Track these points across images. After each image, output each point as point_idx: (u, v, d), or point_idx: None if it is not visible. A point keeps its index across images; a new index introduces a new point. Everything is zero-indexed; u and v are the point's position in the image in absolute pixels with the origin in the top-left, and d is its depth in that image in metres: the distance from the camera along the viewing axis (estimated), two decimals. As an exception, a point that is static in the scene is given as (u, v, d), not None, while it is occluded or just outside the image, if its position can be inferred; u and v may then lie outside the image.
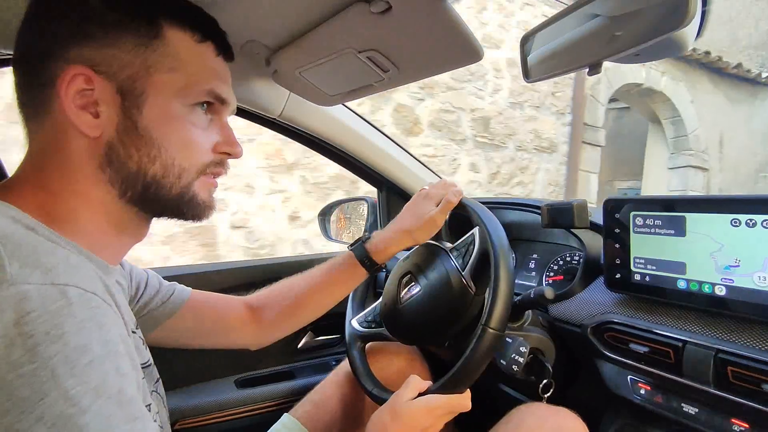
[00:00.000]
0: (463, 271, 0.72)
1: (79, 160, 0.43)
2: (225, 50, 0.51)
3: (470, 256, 0.72)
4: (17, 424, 0.27)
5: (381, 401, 0.70)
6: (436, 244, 0.79)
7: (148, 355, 0.53)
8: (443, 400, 0.60)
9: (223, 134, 0.51)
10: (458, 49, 0.59)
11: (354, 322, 0.86)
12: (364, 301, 0.90)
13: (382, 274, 1.08)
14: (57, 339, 0.30)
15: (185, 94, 0.46)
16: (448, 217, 0.76)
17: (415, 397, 0.61)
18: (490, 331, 0.60)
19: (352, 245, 0.79)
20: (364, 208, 1.28)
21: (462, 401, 0.61)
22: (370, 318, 0.84)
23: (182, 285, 0.73)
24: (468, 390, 0.62)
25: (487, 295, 0.63)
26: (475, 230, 0.73)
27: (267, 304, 0.78)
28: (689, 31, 0.48)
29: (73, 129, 0.42)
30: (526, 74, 0.59)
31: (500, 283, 0.61)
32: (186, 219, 0.50)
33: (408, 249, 0.80)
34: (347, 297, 0.92)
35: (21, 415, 0.27)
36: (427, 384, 0.63)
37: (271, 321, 0.78)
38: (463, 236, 0.77)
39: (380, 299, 0.84)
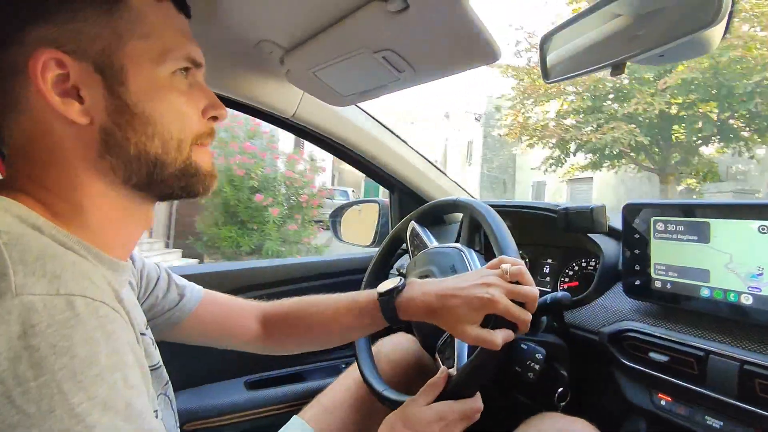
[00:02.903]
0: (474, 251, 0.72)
1: (73, 151, 0.41)
2: (183, 6, 0.48)
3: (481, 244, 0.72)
4: None
5: (391, 403, 0.69)
6: (446, 246, 0.79)
7: (157, 357, 0.53)
8: (454, 406, 0.59)
9: (206, 97, 0.48)
10: (475, 48, 0.58)
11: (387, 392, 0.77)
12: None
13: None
14: (64, 352, 0.29)
15: (164, 60, 0.43)
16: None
17: (429, 405, 0.60)
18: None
19: (382, 294, 0.65)
20: (376, 210, 1.27)
21: (473, 404, 0.60)
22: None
23: (194, 286, 0.72)
24: (478, 393, 0.61)
25: None
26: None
27: (282, 321, 0.75)
28: (717, 30, 0.46)
29: (57, 119, 0.40)
30: (546, 75, 0.58)
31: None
32: (193, 195, 0.48)
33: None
34: None
35: (29, 429, 0.27)
36: (442, 381, 0.61)
37: (280, 341, 0.76)
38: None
39: None
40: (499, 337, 0.54)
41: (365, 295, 0.68)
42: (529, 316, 0.56)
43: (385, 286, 0.65)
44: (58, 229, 0.38)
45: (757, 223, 0.56)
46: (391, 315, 0.64)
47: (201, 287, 0.73)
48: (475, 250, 0.75)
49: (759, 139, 8.86)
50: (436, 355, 0.71)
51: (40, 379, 0.28)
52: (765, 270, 0.56)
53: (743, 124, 8.77)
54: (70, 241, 0.39)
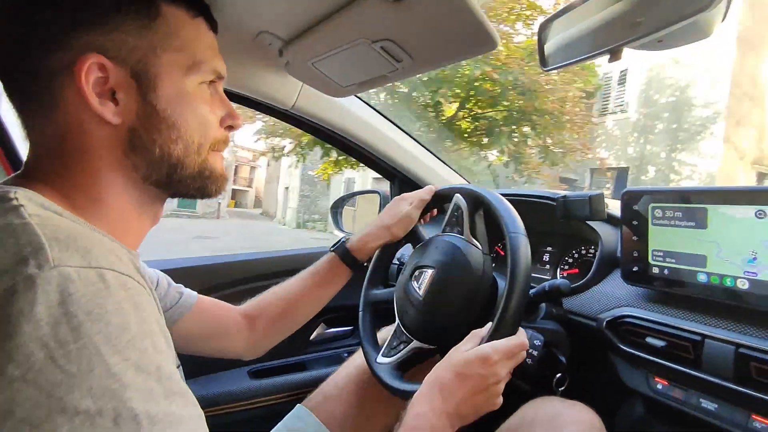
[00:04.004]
0: (462, 234, 0.74)
1: (102, 148, 0.44)
2: (213, 24, 0.52)
3: (463, 220, 0.75)
4: (69, 395, 0.28)
5: (402, 393, 0.69)
6: (429, 237, 0.81)
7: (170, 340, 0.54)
8: (496, 344, 0.58)
9: (225, 107, 0.52)
10: (474, 37, 0.58)
11: (381, 359, 0.79)
12: (376, 338, 0.87)
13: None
14: (99, 319, 0.31)
15: (193, 72, 0.47)
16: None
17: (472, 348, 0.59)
18: (521, 236, 0.63)
19: (333, 247, 0.85)
20: (376, 201, 1.28)
21: (516, 340, 0.59)
22: (394, 343, 0.78)
23: (188, 289, 0.74)
24: (521, 330, 0.61)
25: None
26: (455, 197, 0.77)
27: (259, 311, 0.80)
28: (715, 14, 0.46)
29: (92, 118, 0.43)
30: (544, 62, 0.58)
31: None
32: (206, 195, 0.51)
33: (389, 244, 0.86)
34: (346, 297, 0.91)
35: (72, 387, 0.28)
36: (486, 330, 0.61)
37: (264, 328, 0.79)
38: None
39: (396, 320, 0.81)
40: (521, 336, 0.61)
41: (322, 259, 0.84)
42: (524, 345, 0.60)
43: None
44: (75, 218, 0.40)
45: (754, 208, 0.56)
46: (350, 258, 0.82)
47: (193, 291, 0.75)
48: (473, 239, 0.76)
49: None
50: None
51: (79, 341, 0.30)
52: (761, 255, 0.56)
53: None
54: (88, 229, 0.41)
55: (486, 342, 0.59)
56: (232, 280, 1.10)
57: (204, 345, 0.76)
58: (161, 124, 0.45)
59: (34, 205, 0.37)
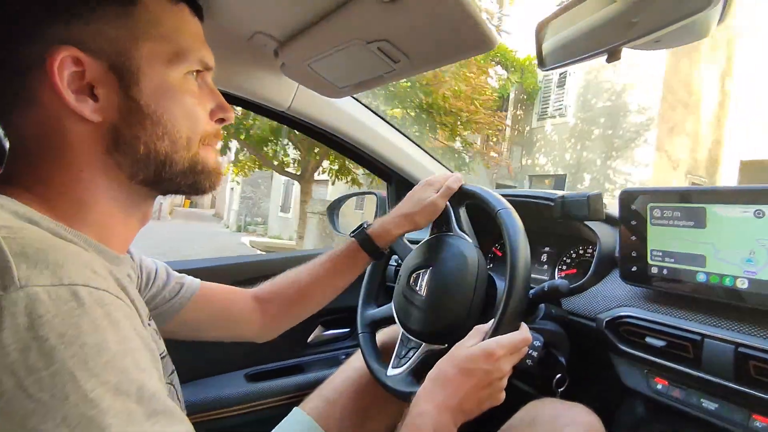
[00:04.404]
0: (450, 231, 0.76)
1: (81, 147, 0.41)
2: (197, 9, 0.49)
3: (449, 218, 0.77)
4: (42, 425, 0.27)
5: (401, 395, 0.69)
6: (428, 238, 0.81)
7: (162, 347, 0.53)
8: (500, 339, 0.57)
9: (214, 99, 0.49)
10: (471, 37, 0.58)
11: (391, 371, 0.76)
12: (380, 355, 0.85)
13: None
14: (73, 341, 0.29)
15: (177, 63, 0.44)
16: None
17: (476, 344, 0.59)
18: (510, 210, 0.65)
19: (353, 232, 0.80)
20: (373, 202, 1.27)
21: (520, 336, 0.58)
22: (403, 352, 0.77)
23: (191, 277, 0.72)
24: (524, 325, 0.61)
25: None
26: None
27: (272, 295, 0.78)
28: (712, 14, 0.46)
29: (70, 116, 0.40)
30: (542, 63, 0.57)
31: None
32: (200, 191, 0.49)
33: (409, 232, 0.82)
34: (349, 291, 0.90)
35: (45, 416, 0.27)
36: (489, 326, 0.60)
37: (276, 312, 0.77)
38: (479, 229, 0.78)
39: (399, 331, 0.80)
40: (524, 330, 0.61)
41: (341, 246, 0.80)
42: (526, 339, 0.61)
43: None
44: (56, 223, 0.38)
45: (753, 207, 0.56)
46: (370, 245, 0.77)
47: (197, 278, 0.73)
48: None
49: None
50: None
51: (51, 367, 0.28)
52: (760, 254, 0.56)
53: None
54: (69, 234, 0.39)
55: (489, 337, 0.58)
56: (247, 278, 1.09)
57: (215, 331, 0.74)
58: (145, 119, 0.42)
59: (5, 214, 0.35)
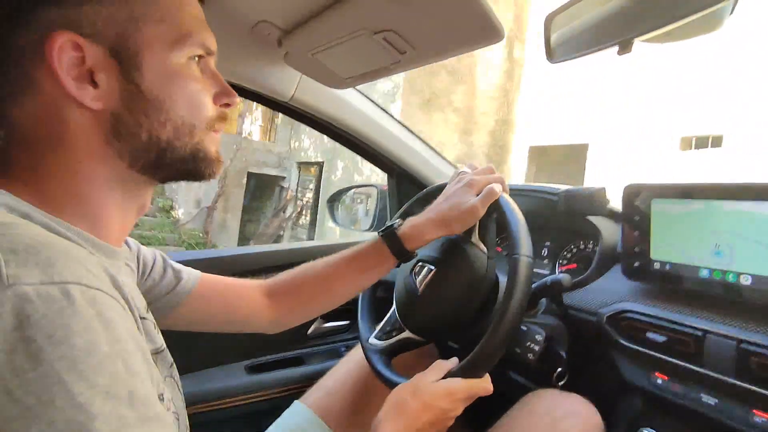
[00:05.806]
0: (471, 237, 0.72)
1: (80, 136, 0.40)
2: None
3: (478, 227, 0.72)
4: (26, 430, 0.26)
5: (386, 381, 0.70)
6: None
7: (161, 340, 0.52)
8: (464, 383, 0.59)
9: (217, 84, 0.48)
10: (478, 28, 0.57)
11: (373, 340, 0.79)
12: (373, 317, 0.86)
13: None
14: (61, 342, 0.28)
15: (179, 46, 0.43)
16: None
17: (439, 380, 0.60)
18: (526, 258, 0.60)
19: (382, 231, 0.72)
20: (373, 195, 1.27)
21: (483, 384, 0.60)
22: (388, 328, 0.78)
23: (191, 269, 0.70)
24: (488, 374, 0.61)
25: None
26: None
27: (291, 288, 0.75)
28: (725, 7, 0.45)
29: (70, 104, 0.39)
30: (550, 55, 0.57)
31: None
32: (199, 178, 0.48)
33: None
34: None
35: (29, 422, 0.26)
36: (452, 364, 0.62)
37: (290, 307, 0.74)
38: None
39: (393, 306, 0.81)
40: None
41: (366, 243, 0.73)
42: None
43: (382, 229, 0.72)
44: (50, 216, 0.37)
45: (757, 203, 0.56)
46: (399, 248, 0.70)
47: (198, 270, 0.71)
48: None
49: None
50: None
51: (38, 369, 0.27)
52: (763, 250, 0.56)
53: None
54: (63, 229, 0.38)
55: (452, 377, 0.60)
56: (252, 269, 1.09)
57: (219, 325, 0.72)
58: (148, 106, 0.41)
59: None
